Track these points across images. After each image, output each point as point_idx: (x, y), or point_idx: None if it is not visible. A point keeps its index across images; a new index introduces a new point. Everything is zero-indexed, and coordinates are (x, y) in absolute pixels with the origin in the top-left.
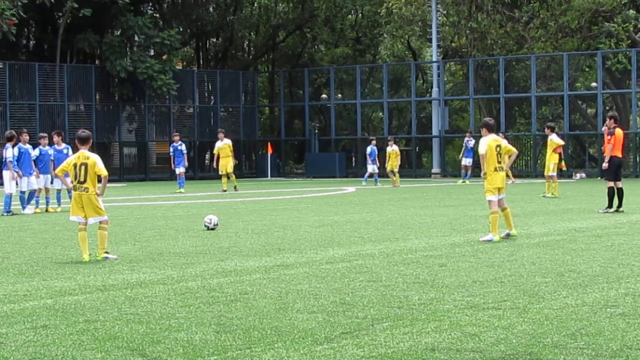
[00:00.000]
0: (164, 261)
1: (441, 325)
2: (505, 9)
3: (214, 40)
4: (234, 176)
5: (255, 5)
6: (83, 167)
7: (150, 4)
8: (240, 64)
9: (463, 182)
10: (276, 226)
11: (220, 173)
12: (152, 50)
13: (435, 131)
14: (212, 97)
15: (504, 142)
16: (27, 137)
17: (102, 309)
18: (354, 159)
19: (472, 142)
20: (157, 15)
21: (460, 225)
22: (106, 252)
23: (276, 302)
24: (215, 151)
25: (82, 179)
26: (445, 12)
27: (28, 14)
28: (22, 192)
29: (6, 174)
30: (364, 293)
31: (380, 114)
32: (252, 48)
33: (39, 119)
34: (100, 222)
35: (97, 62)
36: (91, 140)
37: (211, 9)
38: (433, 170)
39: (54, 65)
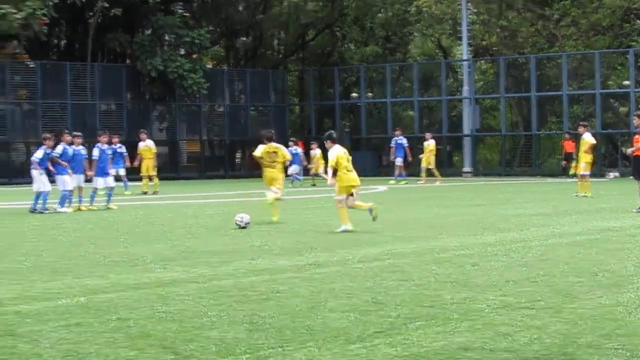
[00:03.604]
0: (195, 259)
1: (474, 325)
2: (536, 7)
3: (244, 39)
4: (157, 179)
5: (285, 4)
6: (274, 154)
7: (181, 3)
8: (270, 62)
9: (406, 182)
10: (308, 225)
11: (141, 174)
12: (182, 50)
13: (466, 130)
14: (242, 96)
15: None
16: (69, 138)
17: (135, 307)
18: (384, 157)
19: (403, 140)
20: (187, 14)
21: (491, 224)
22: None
23: (308, 301)
24: (138, 152)
25: (274, 161)
26: (475, 10)
27: (59, 14)
28: (67, 190)
29: (35, 173)
30: (397, 292)
31: (411, 112)
32: (281, 47)
33: (70, 118)
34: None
35: (127, 61)
36: (273, 137)
37: (241, 8)
38: (464, 169)
39: (85, 64)
